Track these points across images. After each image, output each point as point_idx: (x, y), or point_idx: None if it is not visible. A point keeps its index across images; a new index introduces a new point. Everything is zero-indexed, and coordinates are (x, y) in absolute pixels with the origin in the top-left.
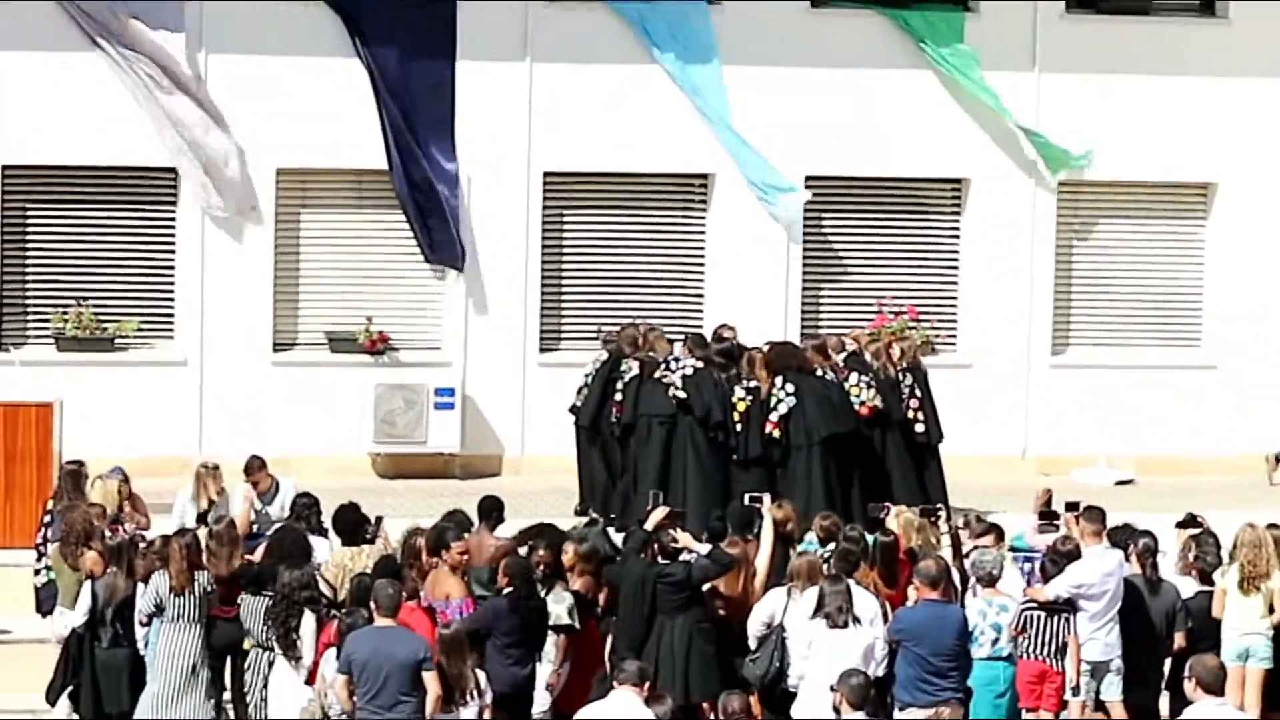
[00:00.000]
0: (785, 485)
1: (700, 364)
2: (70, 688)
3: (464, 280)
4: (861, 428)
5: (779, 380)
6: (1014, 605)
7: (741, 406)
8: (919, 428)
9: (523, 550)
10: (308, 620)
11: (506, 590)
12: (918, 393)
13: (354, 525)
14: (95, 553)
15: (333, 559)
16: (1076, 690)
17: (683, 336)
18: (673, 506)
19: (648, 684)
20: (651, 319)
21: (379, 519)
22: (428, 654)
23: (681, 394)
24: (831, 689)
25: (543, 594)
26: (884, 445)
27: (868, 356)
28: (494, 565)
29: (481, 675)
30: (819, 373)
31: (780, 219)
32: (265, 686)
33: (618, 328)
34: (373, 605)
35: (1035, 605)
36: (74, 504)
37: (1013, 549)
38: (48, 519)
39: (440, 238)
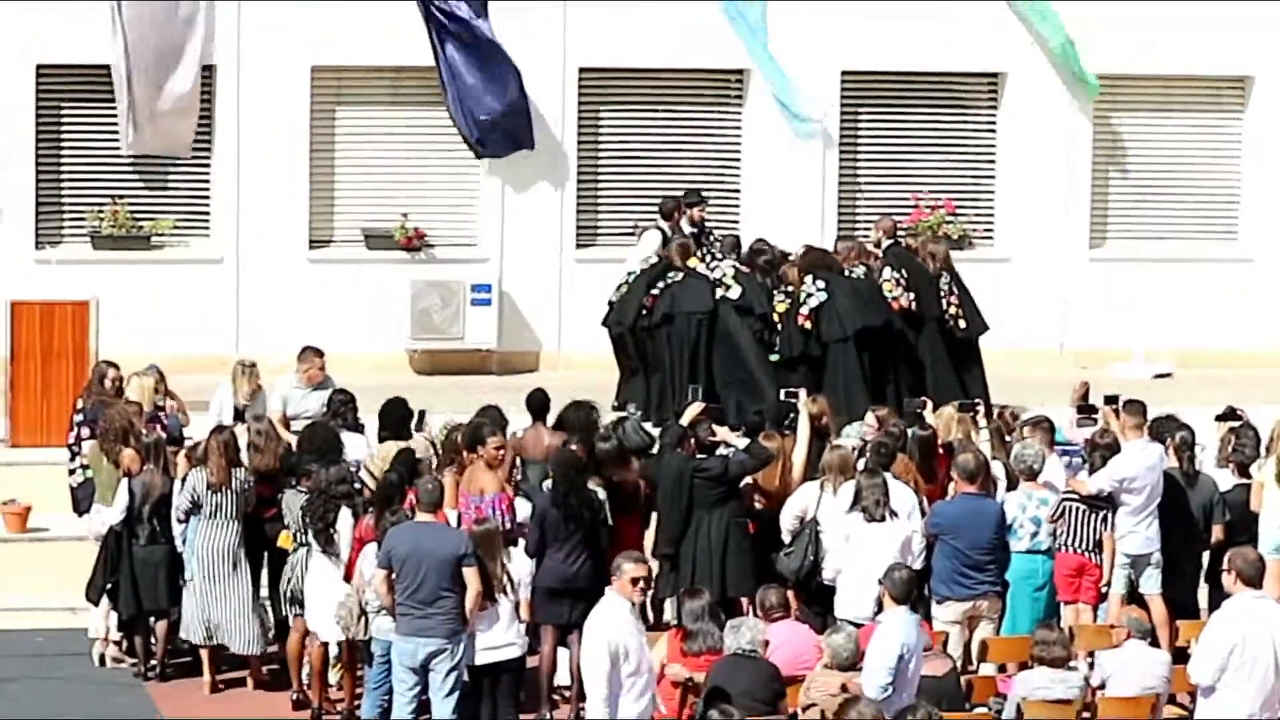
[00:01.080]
0: (825, 381)
1: (745, 267)
2: (109, 585)
3: (500, 176)
4: (895, 321)
5: (808, 278)
6: (1053, 498)
7: (781, 308)
8: (961, 324)
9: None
10: (344, 516)
11: (549, 485)
12: (955, 289)
13: (401, 420)
14: (132, 450)
15: (379, 452)
16: (1110, 585)
17: (720, 240)
18: (710, 402)
19: (642, 582)
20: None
21: (422, 412)
22: (468, 549)
23: (735, 290)
24: (880, 582)
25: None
26: (920, 340)
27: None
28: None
29: (514, 570)
30: (848, 271)
31: (799, 136)
32: (303, 582)
33: (648, 223)
34: (413, 500)
35: (1076, 497)
36: (109, 401)
37: (1052, 442)
38: (78, 418)
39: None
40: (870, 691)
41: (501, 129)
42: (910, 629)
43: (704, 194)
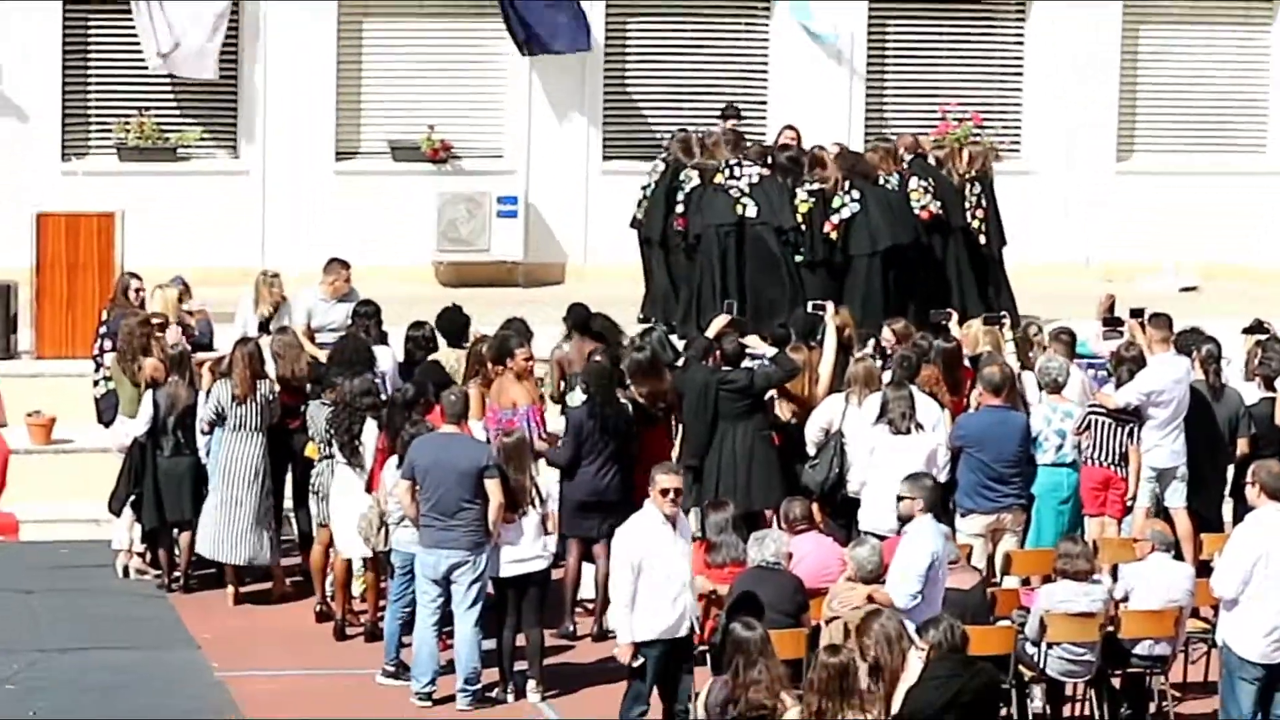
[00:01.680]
0: (847, 293)
1: (765, 171)
2: (133, 497)
3: (527, 87)
4: (922, 234)
5: (846, 184)
6: (1079, 411)
7: (804, 209)
8: (982, 238)
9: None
10: (369, 428)
11: (584, 397)
12: (984, 201)
13: (459, 328)
14: (155, 360)
15: (430, 360)
16: (1135, 498)
17: (746, 145)
18: (737, 315)
19: (673, 494)
20: (714, 126)
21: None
22: (491, 461)
23: (751, 206)
24: (899, 498)
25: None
26: (946, 252)
27: (931, 160)
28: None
29: (541, 483)
30: (882, 179)
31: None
32: (328, 493)
33: (673, 134)
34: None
35: (1102, 410)
36: (132, 313)
37: (1078, 355)
38: (103, 329)
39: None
40: (900, 601)
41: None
42: (939, 538)
43: (738, 107)
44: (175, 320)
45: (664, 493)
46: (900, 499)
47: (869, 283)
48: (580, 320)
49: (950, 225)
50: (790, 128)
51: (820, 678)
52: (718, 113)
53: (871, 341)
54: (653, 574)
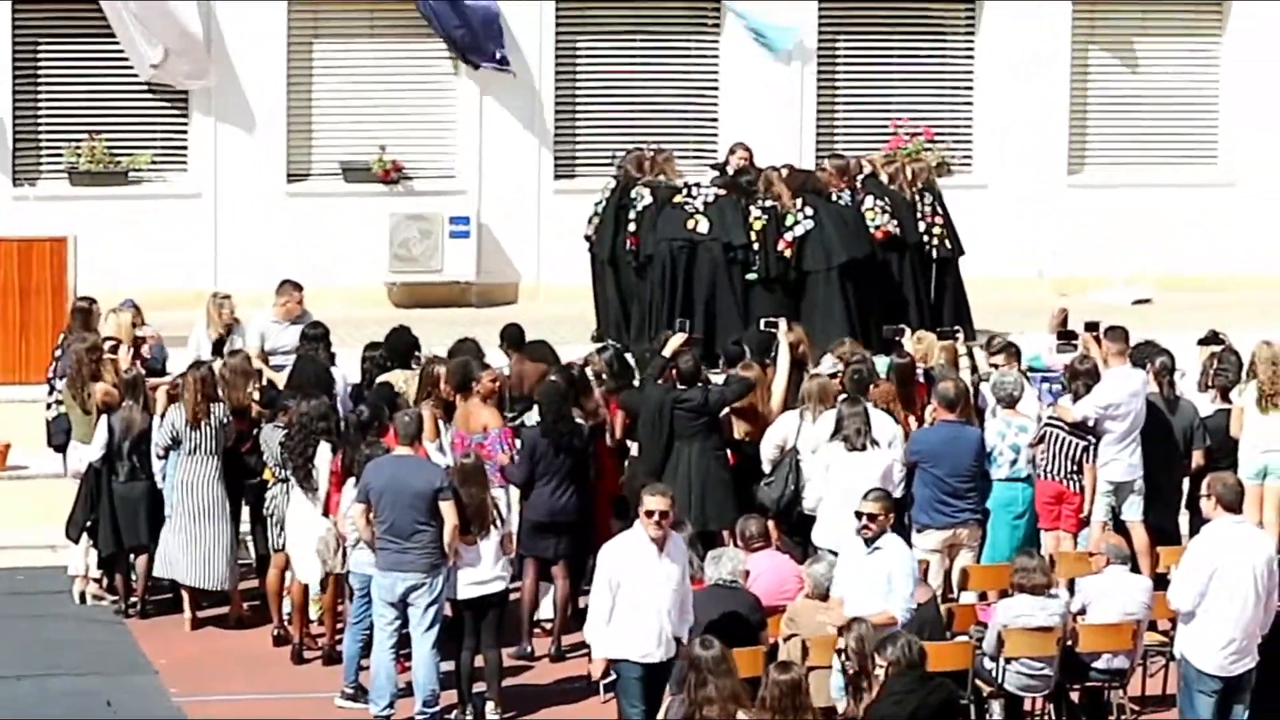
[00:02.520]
0: (803, 310)
1: (722, 190)
2: (89, 522)
3: (478, 107)
4: (877, 251)
5: (798, 201)
6: (1033, 426)
7: (758, 225)
8: (934, 245)
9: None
10: (323, 451)
11: (540, 416)
12: (938, 209)
13: (406, 349)
14: (106, 385)
15: (381, 381)
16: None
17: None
18: (692, 333)
19: (658, 515)
20: (666, 143)
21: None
22: (444, 483)
23: (704, 222)
24: (872, 516)
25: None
26: (901, 268)
27: (884, 178)
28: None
29: (501, 504)
30: (834, 196)
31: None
32: (284, 518)
33: (625, 152)
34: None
35: (1059, 423)
36: (80, 338)
37: (1030, 369)
38: (58, 353)
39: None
40: (905, 615)
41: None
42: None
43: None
44: (129, 344)
45: (649, 514)
46: (873, 517)
47: (826, 299)
48: (514, 340)
49: (905, 242)
50: (741, 145)
51: (772, 695)
52: (668, 130)
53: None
54: (632, 595)
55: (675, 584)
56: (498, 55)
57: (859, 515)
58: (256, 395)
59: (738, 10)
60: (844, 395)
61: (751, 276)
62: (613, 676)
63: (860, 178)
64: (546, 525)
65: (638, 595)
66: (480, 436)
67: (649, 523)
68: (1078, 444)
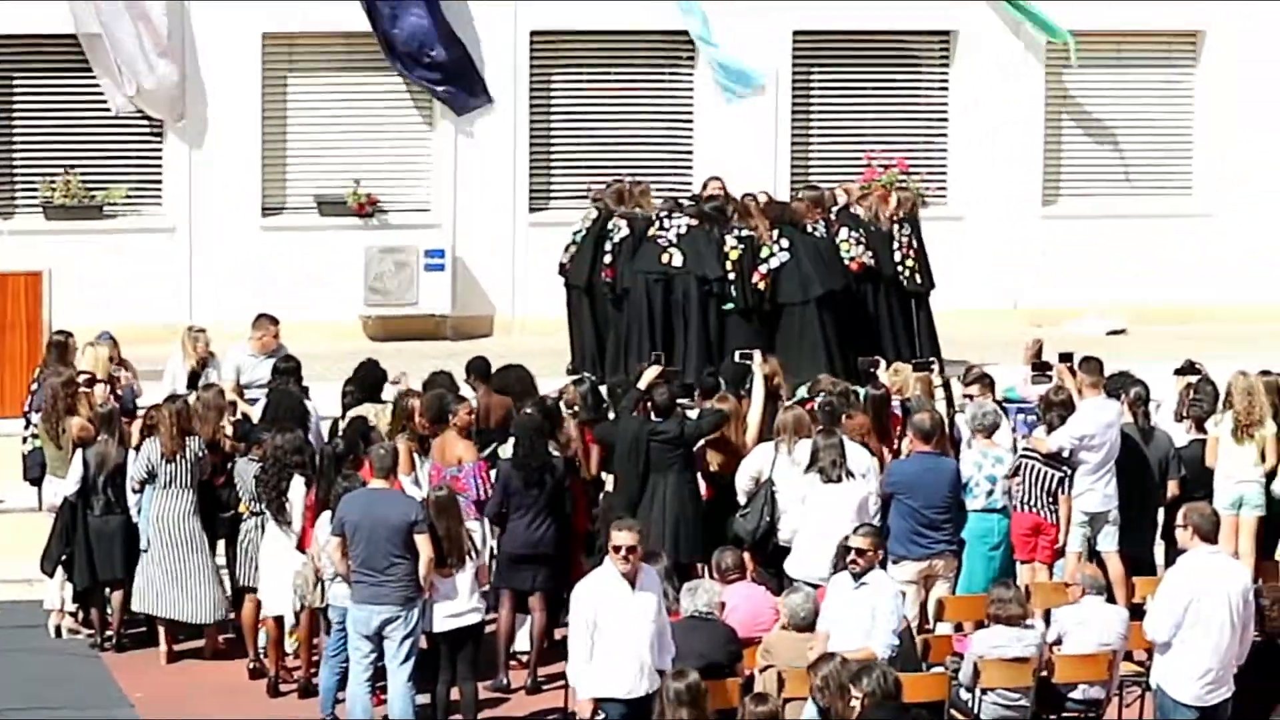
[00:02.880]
0: (779, 342)
1: (694, 221)
2: (64, 556)
3: (452, 141)
4: (852, 283)
5: (774, 233)
6: (1009, 457)
7: (734, 255)
8: (909, 278)
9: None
10: (297, 484)
11: (514, 449)
12: (914, 242)
13: (375, 382)
14: (82, 420)
15: (354, 415)
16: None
17: (672, 200)
18: (668, 365)
19: (625, 550)
20: (641, 176)
21: (402, 375)
22: (419, 516)
23: (678, 255)
24: (845, 549)
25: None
26: (876, 300)
27: (859, 210)
28: (502, 425)
29: (475, 536)
30: (810, 228)
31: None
32: (258, 552)
33: (605, 185)
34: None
35: (1036, 455)
36: (55, 372)
37: (1005, 400)
38: (34, 387)
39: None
40: (886, 652)
41: (452, 83)
42: None
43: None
44: (105, 378)
45: (616, 550)
46: (862, 552)
47: (801, 332)
48: (481, 372)
49: (881, 274)
50: (715, 179)
51: None
52: (643, 163)
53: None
54: (608, 632)
55: (651, 617)
56: (482, 97)
57: (848, 550)
58: (230, 429)
59: (709, 55)
60: (819, 427)
61: (728, 307)
62: (601, 716)
63: (835, 210)
64: (524, 557)
65: (615, 632)
66: (455, 469)
67: (617, 558)
68: (1053, 475)
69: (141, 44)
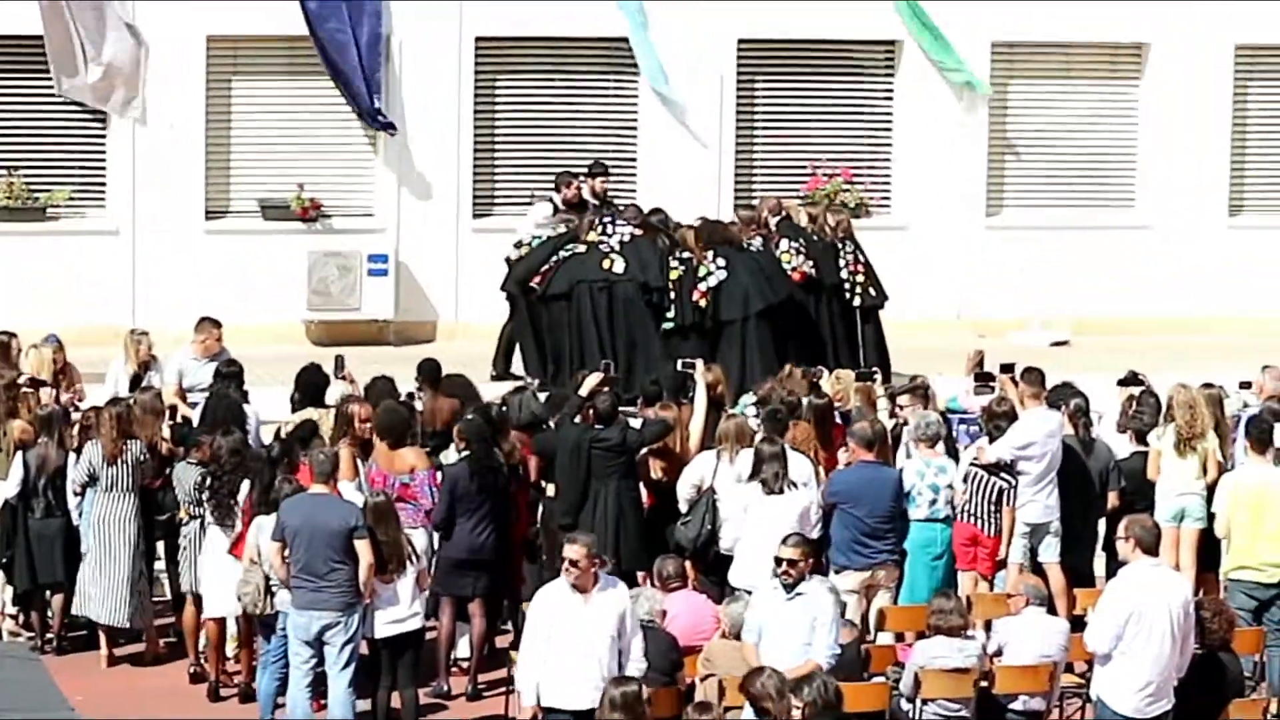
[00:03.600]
0: (721, 352)
1: (638, 231)
2: (4, 560)
3: (396, 146)
4: (795, 293)
5: (709, 254)
6: (952, 467)
7: (675, 274)
8: (858, 292)
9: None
10: (244, 488)
11: (462, 453)
12: (860, 257)
13: (317, 386)
14: (23, 422)
15: (297, 420)
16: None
17: (587, 171)
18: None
19: (584, 561)
20: (584, 183)
21: (340, 358)
22: (359, 521)
23: (619, 262)
24: (791, 562)
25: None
26: (819, 310)
27: (802, 220)
28: (448, 428)
29: (418, 542)
30: (748, 244)
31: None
32: (199, 555)
33: (551, 190)
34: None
35: (980, 465)
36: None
37: (948, 410)
38: None
39: (363, 104)
40: (828, 662)
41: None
42: None
43: (606, 164)
44: (50, 379)
45: (572, 564)
46: (794, 563)
47: (744, 346)
48: (430, 375)
49: (823, 284)
50: (657, 211)
51: None
52: (585, 170)
53: (749, 396)
54: (558, 642)
55: (607, 629)
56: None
57: (778, 561)
58: (167, 432)
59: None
60: (761, 436)
61: (667, 325)
62: None
63: (775, 221)
64: (465, 563)
65: (563, 643)
66: (407, 478)
67: (571, 571)
68: (997, 485)
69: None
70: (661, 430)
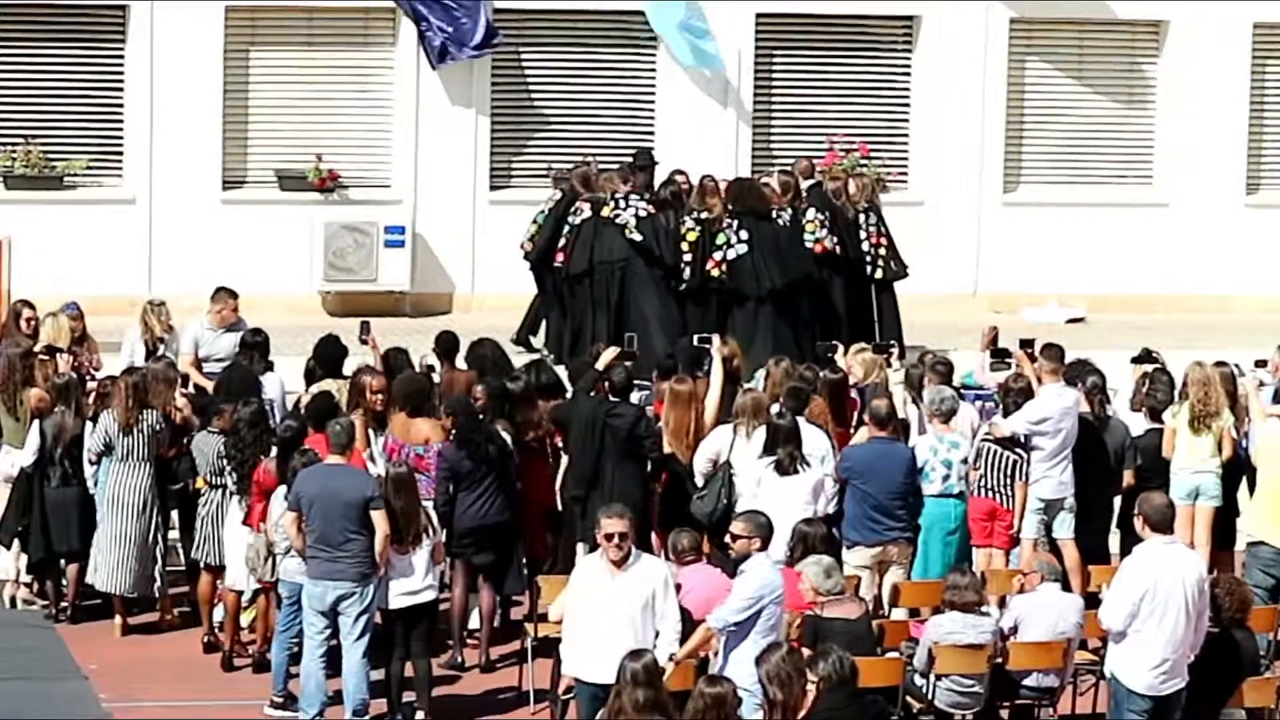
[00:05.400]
0: (736, 325)
1: (651, 208)
2: (22, 528)
3: (414, 117)
4: (814, 272)
5: (734, 223)
6: (965, 442)
7: (691, 237)
8: (880, 265)
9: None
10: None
11: (451, 428)
12: (883, 229)
13: (335, 358)
14: (40, 390)
15: (317, 390)
16: (1020, 533)
17: (631, 163)
18: (627, 350)
19: (618, 538)
20: (602, 156)
21: (365, 322)
22: (375, 492)
23: (637, 236)
24: (734, 536)
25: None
26: (835, 284)
27: (830, 188)
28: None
29: (433, 514)
30: (774, 214)
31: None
32: (217, 524)
33: (570, 166)
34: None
35: (992, 440)
36: (13, 344)
37: (963, 386)
38: None
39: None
40: (714, 623)
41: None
42: (775, 575)
43: (652, 154)
44: (67, 347)
45: (608, 538)
46: (736, 537)
47: (757, 320)
48: (449, 348)
49: (843, 258)
50: (680, 172)
51: (697, 708)
52: (605, 143)
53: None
54: (587, 618)
55: (640, 603)
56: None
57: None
58: (182, 402)
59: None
60: (777, 411)
61: (682, 286)
62: (573, 693)
63: (807, 185)
64: (473, 533)
65: (590, 617)
66: (421, 449)
67: (609, 545)
68: (1010, 458)
69: None
70: (660, 435)
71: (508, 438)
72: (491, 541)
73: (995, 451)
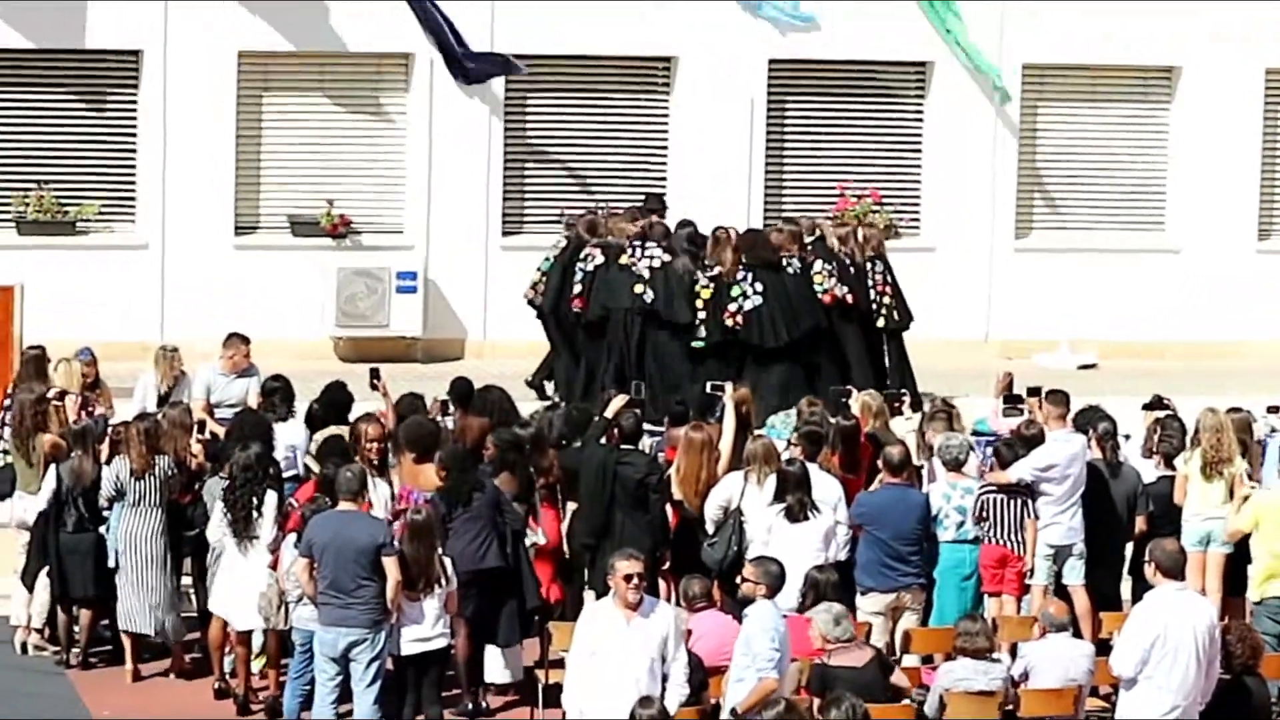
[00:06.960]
0: (749, 375)
1: (667, 256)
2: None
3: (426, 163)
4: (822, 318)
5: (748, 275)
6: (977, 488)
7: (705, 294)
8: (884, 313)
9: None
10: (269, 499)
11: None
12: (889, 278)
13: (340, 404)
14: (54, 435)
15: (323, 437)
16: (1032, 575)
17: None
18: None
19: (636, 579)
20: (614, 202)
21: (375, 370)
22: (388, 539)
23: (649, 296)
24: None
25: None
26: (848, 332)
27: (834, 242)
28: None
29: (448, 562)
30: (786, 264)
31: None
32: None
33: (581, 212)
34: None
35: (995, 489)
36: (26, 389)
37: (976, 433)
38: (8, 403)
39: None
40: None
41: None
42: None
43: (663, 199)
44: (78, 393)
45: (627, 579)
46: (743, 580)
47: (773, 369)
48: (462, 395)
49: (853, 307)
50: (687, 223)
51: None
52: (617, 189)
53: (777, 417)
54: (600, 661)
55: (651, 650)
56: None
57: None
58: (196, 447)
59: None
60: (788, 458)
61: (697, 344)
62: None
63: (810, 241)
64: (471, 581)
65: (604, 662)
66: (431, 494)
67: (626, 588)
68: (1016, 503)
69: None
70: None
71: (508, 490)
72: (490, 583)
73: (998, 500)
